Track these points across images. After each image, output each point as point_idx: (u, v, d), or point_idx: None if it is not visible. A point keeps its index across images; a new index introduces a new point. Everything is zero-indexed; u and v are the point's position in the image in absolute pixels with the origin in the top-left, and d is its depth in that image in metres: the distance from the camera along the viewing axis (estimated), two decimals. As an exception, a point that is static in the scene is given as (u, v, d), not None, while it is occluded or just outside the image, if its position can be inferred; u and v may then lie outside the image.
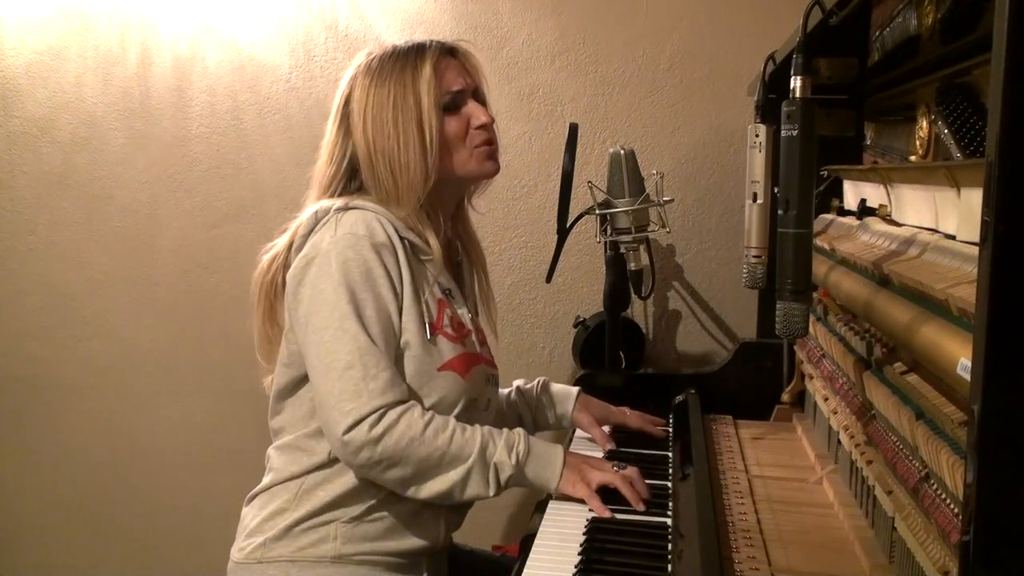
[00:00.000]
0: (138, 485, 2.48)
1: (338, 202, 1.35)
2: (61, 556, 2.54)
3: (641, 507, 1.32)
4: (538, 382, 1.66)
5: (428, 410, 1.29)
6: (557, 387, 1.67)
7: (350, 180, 1.41)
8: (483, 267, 1.57)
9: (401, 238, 1.34)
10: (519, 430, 1.34)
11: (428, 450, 1.25)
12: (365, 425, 1.23)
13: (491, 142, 1.42)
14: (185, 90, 2.34)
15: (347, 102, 1.39)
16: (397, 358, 1.31)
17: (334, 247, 1.29)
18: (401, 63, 1.37)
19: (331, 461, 1.33)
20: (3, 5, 2.34)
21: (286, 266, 1.38)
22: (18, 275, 2.44)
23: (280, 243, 1.42)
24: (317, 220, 1.34)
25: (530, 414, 1.64)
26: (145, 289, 2.42)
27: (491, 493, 1.29)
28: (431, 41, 1.41)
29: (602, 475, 1.34)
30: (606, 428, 1.63)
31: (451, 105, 1.38)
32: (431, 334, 1.33)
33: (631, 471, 1.36)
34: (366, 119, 1.36)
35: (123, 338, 2.44)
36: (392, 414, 1.24)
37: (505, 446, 1.30)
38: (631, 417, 1.65)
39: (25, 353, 2.47)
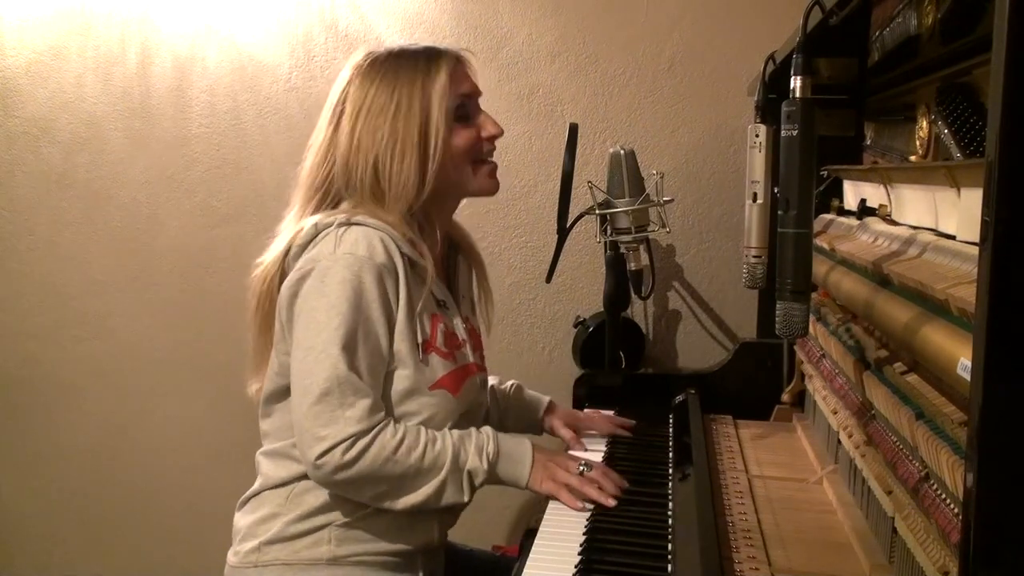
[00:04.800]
0: (138, 485, 2.48)
1: (340, 216, 1.30)
2: (60, 556, 2.54)
3: (611, 503, 1.32)
4: (511, 385, 1.64)
5: (398, 423, 1.27)
6: (530, 393, 1.65)
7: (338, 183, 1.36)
8: (482, 268, 1.55)
9: (403, 255, 1.30)
10: (487, 429, 1.33)
11: (402, 468, 1.24)
12: (338, 452, 1.21)
13: (492, 157, 1.41)
14: (185, 90, 2.34)
15: (343, 100, 1.35)
16: (388, 375, 1.29)
17: (332, 265, 1.25)
18: (410, 65, 1.34)
19: None
20: (3, 5, 2.34)
21: (282, 274, 1.34)
22: (18, 275, 2.44)
23: (272, 254, 1.37)
24: (317, 232, 1.30)
25: (497, 414, 1.61)
26: (145, 289, 2.43)
27: (466, 499, 1.30)
28: (446, 47, 1.38)
29: (568, 477, 1.34)
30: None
31: (461, 114, 1.36)
32: (424, 353, 1.31)
33: (596, 472, 1.36)
34: (358, 119, 1.32)
35: (123, 338, 2.44)
36: (365, 438, 1.23)
37: (476, 451, 1.29)
38: (598, 421, 1.65)
39: (25, 353, 2.47)
